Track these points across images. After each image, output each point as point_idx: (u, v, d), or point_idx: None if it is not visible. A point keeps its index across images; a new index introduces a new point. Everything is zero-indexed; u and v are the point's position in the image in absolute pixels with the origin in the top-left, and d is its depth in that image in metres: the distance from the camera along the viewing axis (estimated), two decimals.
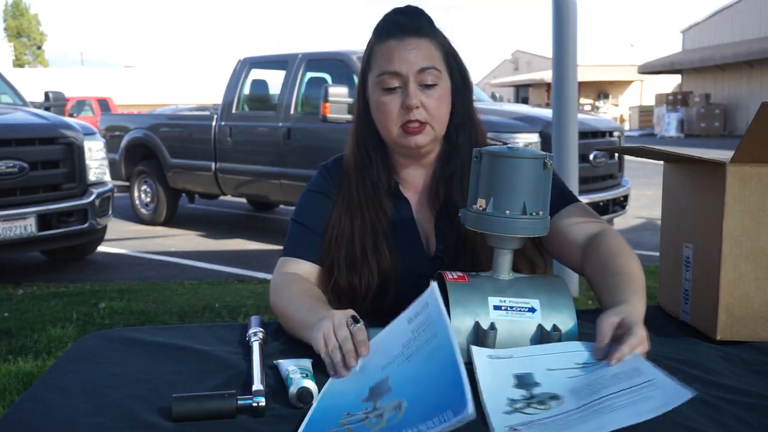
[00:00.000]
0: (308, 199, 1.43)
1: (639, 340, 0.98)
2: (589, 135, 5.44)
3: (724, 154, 1.34)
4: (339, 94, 5.53)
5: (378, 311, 1.29)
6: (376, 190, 1.38)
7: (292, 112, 6.36)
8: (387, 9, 1.37)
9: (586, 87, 32.78)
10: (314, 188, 1.44)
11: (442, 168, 1.40)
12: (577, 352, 1.03)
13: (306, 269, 1.37)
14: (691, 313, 1.29)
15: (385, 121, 1.33)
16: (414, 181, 1.42)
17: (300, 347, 1.18)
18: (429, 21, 1.35)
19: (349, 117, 5.63)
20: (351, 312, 1.10)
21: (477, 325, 1.09)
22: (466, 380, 0.83)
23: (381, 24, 1.36)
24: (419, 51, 1.31)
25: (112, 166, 6.95)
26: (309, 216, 1.41)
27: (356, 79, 6.03)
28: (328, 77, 6.47)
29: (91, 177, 5.31)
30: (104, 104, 21.74)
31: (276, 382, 1.02)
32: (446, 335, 0.93)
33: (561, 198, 1.35)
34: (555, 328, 1.09)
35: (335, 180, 1.42)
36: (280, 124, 6.37)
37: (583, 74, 26.82)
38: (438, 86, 1.32)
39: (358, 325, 1.06)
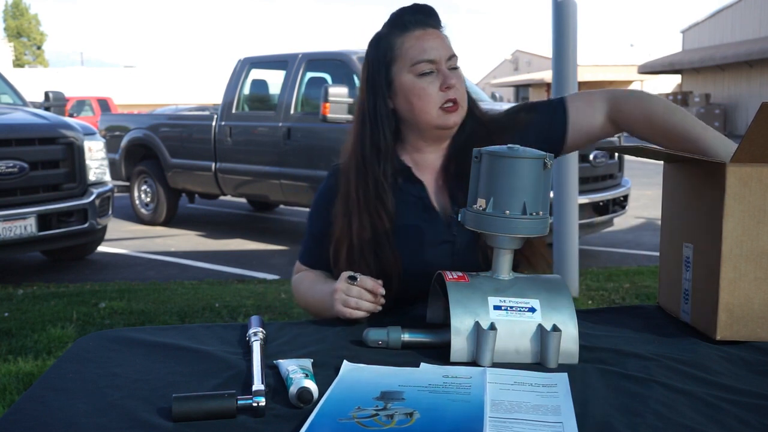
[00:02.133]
0: (317, 205, 1.51)
1: None
2: None
3: None
4: (339, 94, 5.53)
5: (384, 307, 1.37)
6: (379, 187, 1.40)
7: (292, 112, 6.36)
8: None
9: (586, 87, 32.70)
10: (324, 192, 1.50)
11: (453, 146, 1.47)
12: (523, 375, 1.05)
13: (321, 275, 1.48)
14: (691, 313, 1.29)
15: (425, 104, 1.39)
16: (430, 164, 1.47)
17: (300, 347, 1.18)
18: (440, 19, 1.45)
19: (349, 117, 5.62)
20: (345, 275, 1.28)
21: (477, 324, 1.09)
22: (486, 418, 0.87)
23: (398, 19, 1.43)
24: (442, 41, 1.42)
25: (112, 166, 6.95)
26: (318, 224, 1.48)
27: (356, 79, 6.06)
28: (328, 77, 6.47)
29: (91, 177, 5.31)
30: (104, 104, 21.72)
31: (276, 382, 1.02)
32: (480, 397, 0.95)
33: (555, 110, 1.46)
34: (555, 328, 1.09)
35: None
36: (280, 124, 6.37)
37: (583, 74, 26.84)
38: (459, 69, 1.43)
39: (358, 278, 1.26)
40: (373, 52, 1.44)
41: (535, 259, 1.42)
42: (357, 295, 1.26)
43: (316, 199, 1.51)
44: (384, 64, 1.42)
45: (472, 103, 1.47)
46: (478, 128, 1.46)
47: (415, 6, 1.44)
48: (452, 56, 1.41)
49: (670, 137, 1.36)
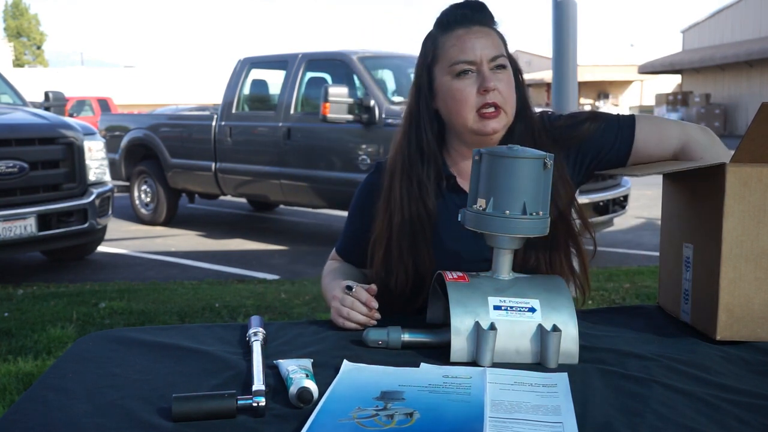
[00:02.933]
0: (357, 200, 1.49)
1: None
2: None
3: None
4: (339, 94, 5.53)
5: (413, 310, 1.36)
6: (422, 189, 1.37)
7: (292, 112, 6.36)
8: None
9: (586, 87, 32.78)
10: (365, 188, 1.48)
11: None
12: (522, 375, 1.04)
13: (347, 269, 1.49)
14: (691, 313, 1.29)
15: (461, 107, 1.33)
16: None
17: (300, 347, 1.18)
18: (491, 14, 1.38)
19: (349, 117, 5.63)
20: (344, 284, 1.27)
21: (477, 324, 1.09)
22: (486, 418, 0.87)
23: (444, 17, 1.37)
24: (488, 39, 1.34)
25: (112, 166, 6.95)
26: (356, 219, 1.48)
27: (356, 80, 6.07)
28: (328, 77, 6.47)
29: (91, 177, 5.30)
30: (104, 104, 21.71)
31: (276, 382, 1.02)
32: (480, 397, 0.95)
33: (622, 132, 1.39)
34: (555, 328, 1.09)
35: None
36: (280, 124, 6.37)
37: (583, 74, 26.85)
38: (507, 69, 1.35)
39: (354, 289, 1.24)
40: (420, 53, 1.40)
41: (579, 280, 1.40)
42: (350, 305, 1.24)
43: (357, 195, 1.50)
44: (427, 65, 1.38)
45: (525, 105, 1.40)
46: (529, 136, 1.38)
47: (459, 3, 1.37)
48: (498, 56, 1.33)
49: None
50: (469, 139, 1.37)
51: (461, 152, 1.41)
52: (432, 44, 1.37)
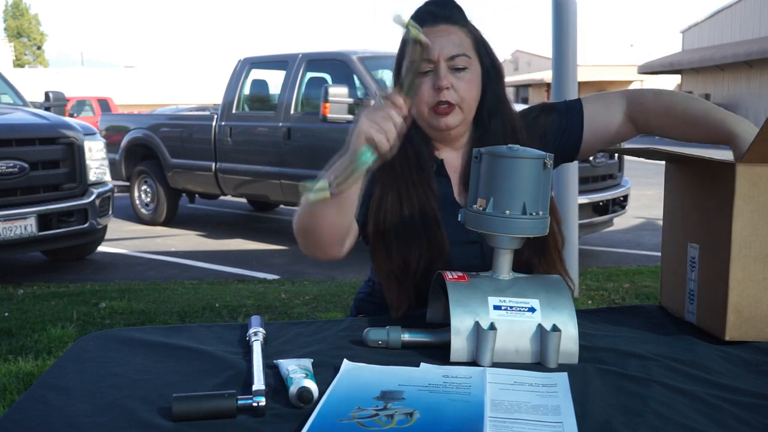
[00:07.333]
0: None
1: None
2: None
3: (724, 154, 1.34)
4: (339, 94, 5.53)
5: (427, 286, 1.31)
6: (421, 162, 1.39)
7: (292, 112, 6.36)
8: None
9: (586, 87, 32.75)
10: None
11: (473, 147, 1.42)
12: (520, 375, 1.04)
13: None
14: (697, 313, 1.29)
15: (417, 102, 1.37)
16: (453, 162, 1.44)
17: (300, 347, 1.18)
18: (459, 10, 1.41)
19: (349, 117, 5.63)
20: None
21: (477, 324, 1.09)
22: (486, 418, 0.88)
23: (415, 14, 1.40)
24: (450, 37, 1.36)
25: (113, 166, 6.95)
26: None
27: (356, 79, 6.07)
28: (328, 77, 6.48)
29: (92, 177, 5.31)
30: (104, 104, 21.73)
31: (276, 382, 1.02)
32: (480, 397, 0.95)
33: (572, 111, 1.45)
34: (555, 327, 1.09)
35: None
36: (280, 124, 6.37)
37: (583, 74, 26.82)
38: (468, 70, 1.37)
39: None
40: (400, 46, 1.42)
41: (549, 269, 1.38)
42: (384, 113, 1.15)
43: None
44: (398, 60, 1.41)
45: (500, 101, 1.42)
46: (508, 130, 1.41)
47: (430, 1, 1.40)
48: (458, 55, 1.35)
49: (693, 123, 1.36)
50: (431, 133, 1.41)
51: (434, 143, 1.44)
52: (403, 41, 1.40)
